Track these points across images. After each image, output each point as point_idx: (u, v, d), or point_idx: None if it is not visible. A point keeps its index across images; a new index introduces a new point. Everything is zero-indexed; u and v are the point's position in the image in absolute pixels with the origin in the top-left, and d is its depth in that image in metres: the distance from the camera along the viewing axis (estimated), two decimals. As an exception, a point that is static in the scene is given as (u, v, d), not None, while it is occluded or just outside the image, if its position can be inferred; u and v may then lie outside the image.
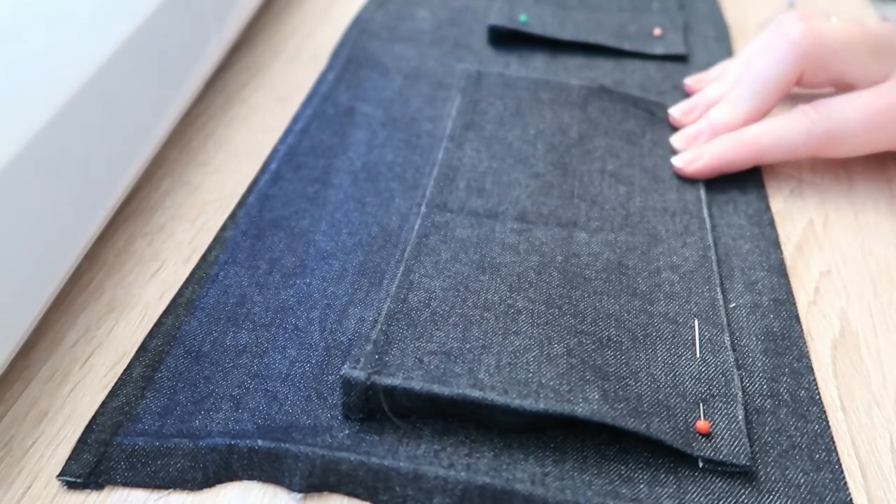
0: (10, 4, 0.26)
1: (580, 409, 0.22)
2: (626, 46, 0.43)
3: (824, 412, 0.24)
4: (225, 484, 0.23)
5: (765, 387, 0.25)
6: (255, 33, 0.46)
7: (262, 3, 0.47)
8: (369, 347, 0.24)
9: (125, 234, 0.32)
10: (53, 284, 0.27)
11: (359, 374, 0.23)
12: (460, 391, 0.22)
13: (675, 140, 0.35)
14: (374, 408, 0.23)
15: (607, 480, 0.22)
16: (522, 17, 0.44)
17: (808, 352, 0.26)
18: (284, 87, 0.41)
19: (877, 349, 0.27)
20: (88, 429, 0.24)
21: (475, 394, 0.22)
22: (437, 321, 0.25)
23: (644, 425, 0.22)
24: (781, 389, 0.25)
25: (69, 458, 0.23)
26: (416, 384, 0.23)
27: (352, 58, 0.42)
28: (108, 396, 0.25)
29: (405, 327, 0.25)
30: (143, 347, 0.26)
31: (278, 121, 0.38)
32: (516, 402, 0.22)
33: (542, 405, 0.22)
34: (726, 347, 0.26)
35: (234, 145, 0.37)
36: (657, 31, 0.44)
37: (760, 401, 0.25)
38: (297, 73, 0.42)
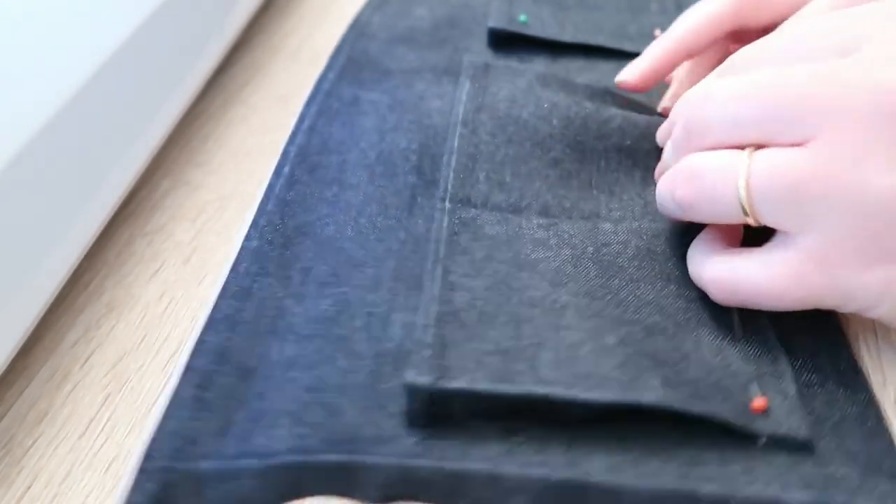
0: (10, 4, 0.26)
1: (646, 398, 0.22)
2: (627, 47, 0.43)
3: (868, 382, 0.25)
4: (294, 502, 0.22)
5: (808, 362, 0.25)
6: (255, 33, 0.46)
7: (262, 3, 0.47)
8: (427, 353, 0.23)
9: (125, 234, 0.32)
10: (53, 284, 0.27)
11: (423, 380, 0.22)
12: (526, 389, 0.22)
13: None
14: (439, 412, 0.23)
15: (678, 464, 0.22)
16: (522, 17, 0.44)
17: (840, 327, 0.26)
18: (284, 86, 0.41)
19: (877, 349, 0.27)
20: (147, 456, 0.22)
21: (542, 390, 0.22)
22: (486, 321, 0.24)
23: (707, 408, 0.22)
24: (824, 364, 0.25)
25: (131, 489, 0.21)
26: (482, 385, 0.22)
27: (351, 59, 0.42)
28: (161, 421, 0.23)
29: (457, 329, 0.24)
30: (188, 368, 0.25)
31: (278, 121, 0.38)
32: (584, 395, 0.22)
33: (609, 396, 0.22)
34: (767, 326, 0.26)
35: (233, 145, 0.37)
36: (657, 32, 0.44)
37: (807, 375, 0.25)
38: (296, 73, 0.42)
